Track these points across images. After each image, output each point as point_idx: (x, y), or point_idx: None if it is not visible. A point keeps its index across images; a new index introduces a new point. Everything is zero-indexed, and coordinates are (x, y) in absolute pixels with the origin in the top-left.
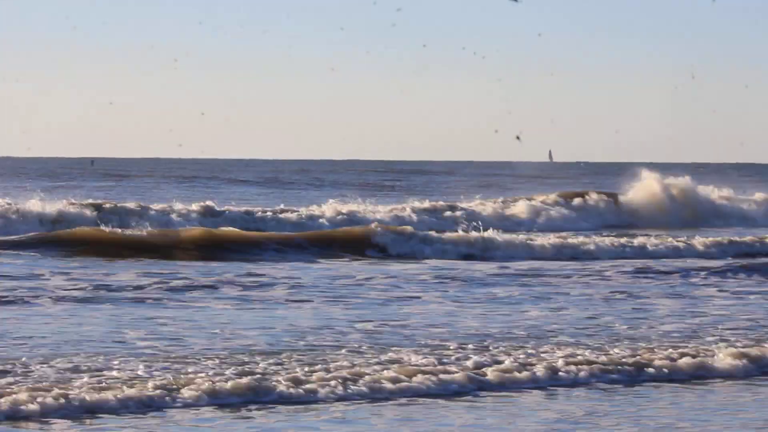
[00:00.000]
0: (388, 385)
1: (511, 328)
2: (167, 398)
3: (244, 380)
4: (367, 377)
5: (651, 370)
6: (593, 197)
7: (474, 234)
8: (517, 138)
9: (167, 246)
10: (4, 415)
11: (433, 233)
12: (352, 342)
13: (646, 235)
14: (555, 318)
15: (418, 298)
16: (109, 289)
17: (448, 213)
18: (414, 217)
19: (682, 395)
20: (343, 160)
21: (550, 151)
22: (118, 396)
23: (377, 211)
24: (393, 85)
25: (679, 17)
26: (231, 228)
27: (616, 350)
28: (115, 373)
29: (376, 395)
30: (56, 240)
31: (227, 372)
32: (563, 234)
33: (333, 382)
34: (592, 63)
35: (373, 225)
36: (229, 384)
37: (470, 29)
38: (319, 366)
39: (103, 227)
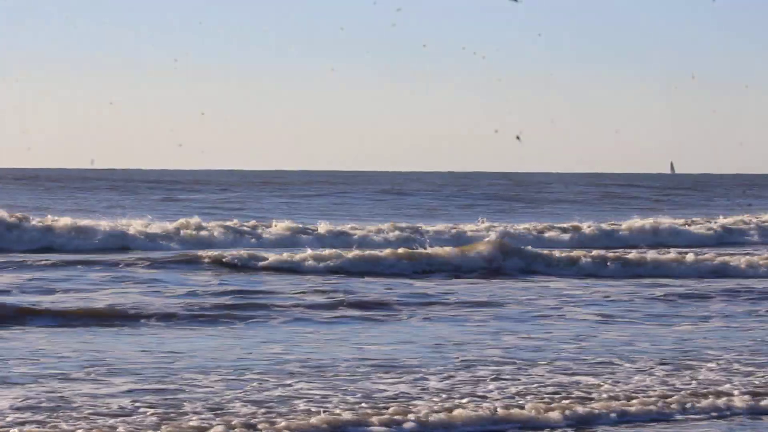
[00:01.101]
0: None
1: None
2: None
3: None
4: None
5: None
6: None
7: None
8: (517, 138)
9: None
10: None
11: None
12: None
13: None
14: None
15: None
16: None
17: None
18: None
19: None
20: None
21: (671, 163)
22: None
23: None
24: (393, 86)
25: (679, 17)
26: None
27: None
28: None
29: None
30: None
31: None
32: None
33: None
34: (592, 63)
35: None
36: None
37: (470, 29)
38: None
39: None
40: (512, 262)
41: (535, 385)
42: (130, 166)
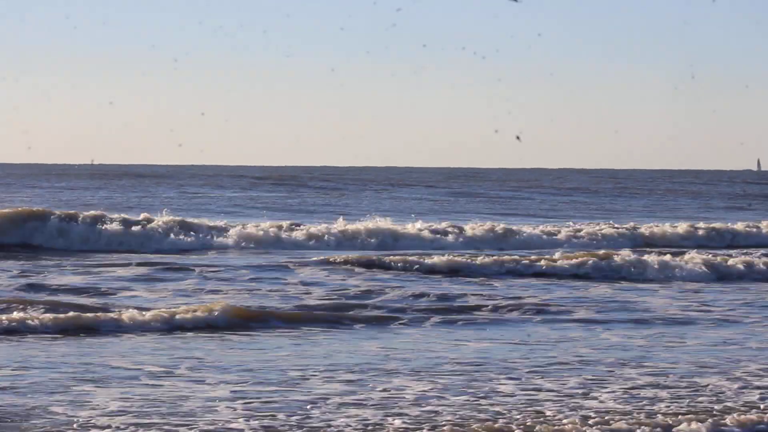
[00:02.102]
0: None
1: None
2: None
3: None
4: None
5: None
6: None
7: None
8: (517, 138)
9: None
10: None
11: None
12: None
13: None
14: None
15: None
16: None
17: None
18: None
19: None
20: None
21: (758, 160)
22: None
23: None
24: (393, 85)
25: (679, 17)
26: None
27: None
28: None
29: None
30: None
31: None
32: None
33: None
34: (592, 63)
35: None
36: None
37: (470, 29)
38: None
39: None
40: None
41: None
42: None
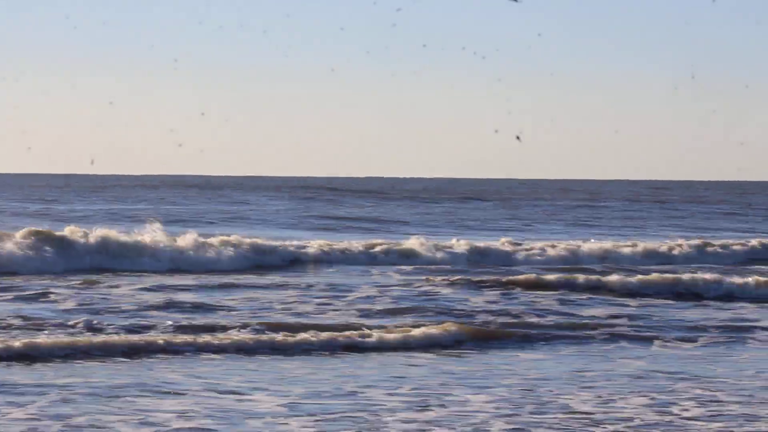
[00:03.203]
0: None
1: None
2: None
3: None
4: None
5: None
6: None
7: None
8: (517, 138)
9: None
10: None
11: None
12: None
13: None
14: None
15: None
16: None
17: None
18: None
19: None
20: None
21: None
22: None
23: None
24: (393, 85)
25: (679, 17)
26: None
27: None
28: None
29: None
30: None
31: None
32: None
33: None
34: (592, 63)
35: None
36: None
37: (470, 29)
38: None
39: None
40: None
41: None
42: (131, 165)
